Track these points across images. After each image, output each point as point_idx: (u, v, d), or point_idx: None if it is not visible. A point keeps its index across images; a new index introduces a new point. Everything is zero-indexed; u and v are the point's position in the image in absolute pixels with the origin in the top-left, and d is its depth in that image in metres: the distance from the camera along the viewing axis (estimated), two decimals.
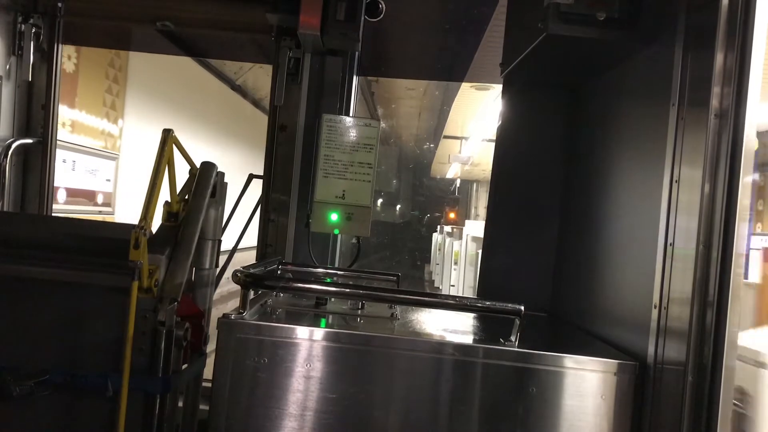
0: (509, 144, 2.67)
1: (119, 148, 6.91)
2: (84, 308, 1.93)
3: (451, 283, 11.93)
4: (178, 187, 2.24)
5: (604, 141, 2.21)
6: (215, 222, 2.39)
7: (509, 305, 1.70)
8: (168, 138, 2.07)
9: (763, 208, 11.07)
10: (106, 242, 1.98)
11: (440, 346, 1.67)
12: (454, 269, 11.82)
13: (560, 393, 1.64)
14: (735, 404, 1.66)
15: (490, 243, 2.68)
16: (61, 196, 5.67)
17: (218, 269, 2.52)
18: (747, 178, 1.42)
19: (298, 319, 1.80)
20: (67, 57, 5.52)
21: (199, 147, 7.39)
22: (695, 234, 1.48)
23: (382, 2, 2.71)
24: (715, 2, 1.48)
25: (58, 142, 3.16)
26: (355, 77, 3.01)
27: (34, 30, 3.00)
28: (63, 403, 1.91)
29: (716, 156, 1.47)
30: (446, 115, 11.45)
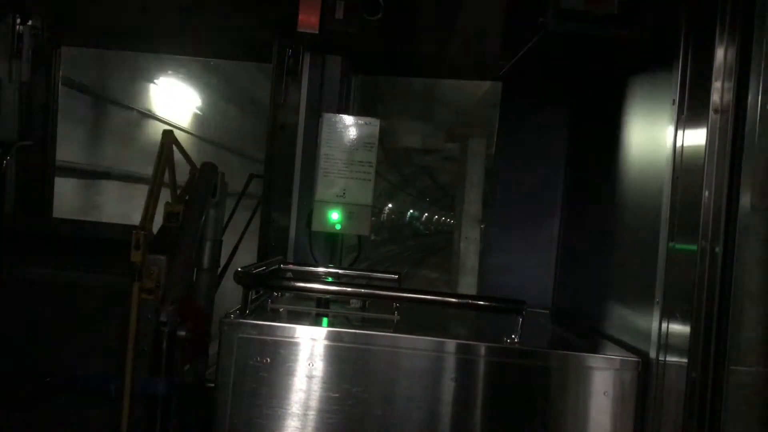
0: (510, 141, 2.66)
1: None
2: (86, 310, 1.93)
3: None
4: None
5: (605, 138, 2.21)
6: (216, 223, 2.39)
7: (511, 301, 1.70)
8: (168, 139, 2.07)
9: None
10: (107, 243, 1.97)
11: (443, 345, 1.67)
12: None
13: (563, 390, 1.64)
14: None
15: (490, 241, 2.67)
16: None
17: (219, 269, 2.52)
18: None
19: (300, 318, 1.80)
20: None
21: None
22: (697, 230, 1.47)
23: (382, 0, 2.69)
24: None
25: None
26: (354, 75, 3.00)
27: (32, 32, 2.99)
28: (66, 405, 1.91)
29: (717, 152, 1.47)
30: None
